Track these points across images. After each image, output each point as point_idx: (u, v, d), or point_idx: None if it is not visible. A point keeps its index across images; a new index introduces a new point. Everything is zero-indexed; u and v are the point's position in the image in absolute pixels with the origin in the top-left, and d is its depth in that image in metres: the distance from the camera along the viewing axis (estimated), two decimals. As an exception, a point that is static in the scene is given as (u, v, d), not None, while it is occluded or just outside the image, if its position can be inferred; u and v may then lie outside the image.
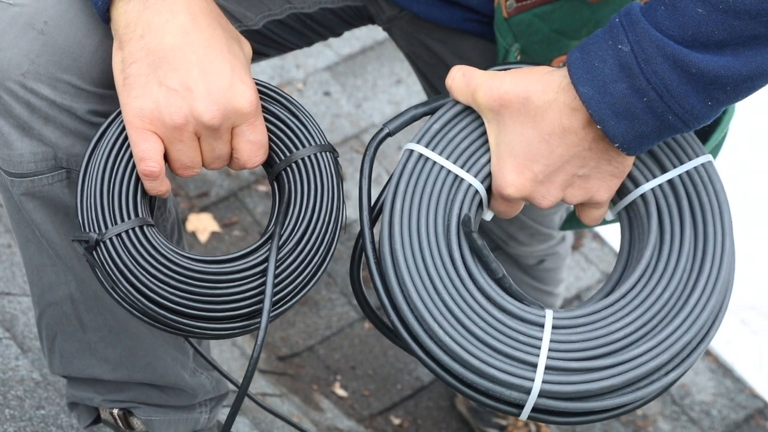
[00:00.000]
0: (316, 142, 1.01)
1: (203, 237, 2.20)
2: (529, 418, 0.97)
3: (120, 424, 1.26)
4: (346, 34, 2.54)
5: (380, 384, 2.14)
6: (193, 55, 0.93)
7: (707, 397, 2.31)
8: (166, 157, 0.97)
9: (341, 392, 2.11)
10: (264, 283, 0.98)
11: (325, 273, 2.26)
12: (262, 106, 1.00)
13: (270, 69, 2.51)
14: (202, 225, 2.22)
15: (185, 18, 0.93)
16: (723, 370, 2.36)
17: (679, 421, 2.26)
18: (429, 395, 2.15)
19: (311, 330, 2.17)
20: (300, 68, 2.56)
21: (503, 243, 1.72)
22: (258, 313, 0.99)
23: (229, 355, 1.98)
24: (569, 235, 1.83)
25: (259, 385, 1.94)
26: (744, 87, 0.90)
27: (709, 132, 1.12)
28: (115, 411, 1.25)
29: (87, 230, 0.96)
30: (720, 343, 2.40)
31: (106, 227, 0.96)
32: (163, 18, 0.93)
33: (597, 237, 2.53)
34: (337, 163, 1.03)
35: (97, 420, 1.29)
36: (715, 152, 1.16)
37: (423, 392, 2.15)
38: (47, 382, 1.54)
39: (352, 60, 2.61)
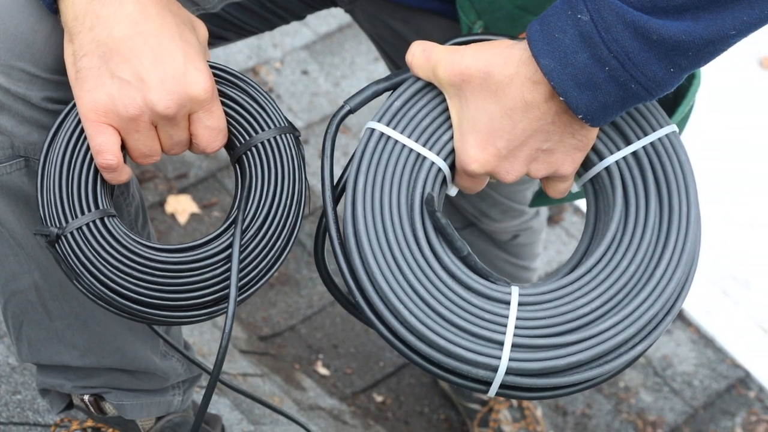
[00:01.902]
0: (275, 125, 1.01)
1: (182, 219, 2.20)
2: (497, 394, 0.97)
3: (92, 409, 1.26)
4: (322, 12, 2.53)
5: (362, 362, 2.15)
6: (144, 44, 0.92)
7: (689, 367, 2.32)
8: (125, 147, 0.96)
9: (323, 371, 2.12)
10: (229, 269, 0.98)
11: (306, 253, 2.26)
12: (220, 91, 0.99)
13: (247, 48, 2.50)
14: (181, 207, 2.21)
15: (133, 7, 0.92)
16: (704, 340, 2.37)
17: (661, 392, 2.27)
18: (411, 372, 2.16)
19: (292, 309, 2.17)
20: (277, 47, 2.54)
21: (476, 220, 1.72)
22: (224, 298, 0.99)
23: (210, 336, 1.98)
24: (543, 209, 1.83)
25: (240, 365, 1.94)
26: (706, 51, 0.89)
27: (675, 105, 1.11)
28: (86, 397, 1.25)
29: (48, 224, 0.97)
30: (701, 313, 2.41)
31: (67, 221, 0.96)
32: (111, 9, 0.92)
33: (578, 211, 2.53)
34: (298, 144, 1.02)
35: (70, 405, 1.29)
36: (682, 125, 1.15)
37: (405, 369, 2.15)
38: (23, 367, 1.54)
39: (330, 38, 2.60)
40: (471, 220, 1.73)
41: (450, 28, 1.19)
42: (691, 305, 2.41)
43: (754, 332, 2.41)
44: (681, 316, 2.40)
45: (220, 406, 1.73)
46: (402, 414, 2.11)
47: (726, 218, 2.58)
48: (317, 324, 2.17)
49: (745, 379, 2.32)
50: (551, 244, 2.43)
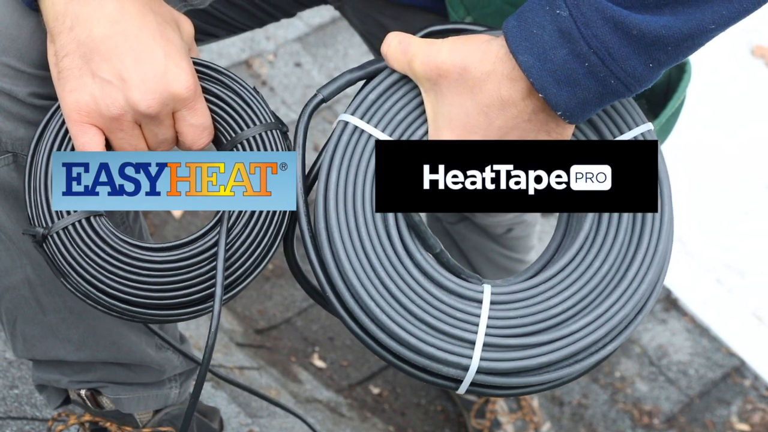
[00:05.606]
0: (261, 121, 1.00)
1: (177, 212, 2.21)
2: (467, 392, 0.97)
3: (89, 404, 1.26)
4: (316, 5, 2.53)
5: (358, 354, 2.15)
6: (125, 44, 0.92)
7: (684, 357, 2.33)
8: (111, 146, 0.96)
9: (320, 363, 2.12)
10: (215, 268, 0.98)
11: (301, 245, 2.26)
12: (204, 88, 0.99)
13: (240, 41, 2.50)
14: (176, 201, 2.22)
15: (113, 6, 0.92)
16: (699, 329, 2.38)
17: (657, 382, 2.28)
18: (407, 363, 2.16)
19: (288, 302, 2.18)
20: (270, 40, 2.55)
21: (470, 213, 1.72)
22: (212, 295, 0.99)
23: (206, 330, 1.98)
24: (537, 201, 1.83)
25: (236, 358, 1.95)
26: (684, 46, 0.89)
27: (666, 99, 1.11)
28: (83, 392, 1.25)
29: (34, 224, 0.97)
30: (696, 302, 2.41)
31: (53, 221, 0.96)
32: (91, 8, 0.92)
33: (573, 201, 2.53)
34: (285, 140, 1.02)
35: (67, 401, 1.29)
36: (674, 118, 1.15)
37: (401, 361, 2.16)
38: (20, 362, 1.54)
39: (323, 30, 2.60)
40: (465, 214, 1.73)
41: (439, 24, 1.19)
42: (686, 294, 2.42)
43: (749, 321, 2.42)
44: (676, 306, 2.40)
45: (218, 399, 1.73)
46: (398, 406, 2.11)
47: (719, 206, 2.59)
48: (313, 316, 2.18)
49: (740, 368, 2.33)
50: (545, 236, 2.44)
